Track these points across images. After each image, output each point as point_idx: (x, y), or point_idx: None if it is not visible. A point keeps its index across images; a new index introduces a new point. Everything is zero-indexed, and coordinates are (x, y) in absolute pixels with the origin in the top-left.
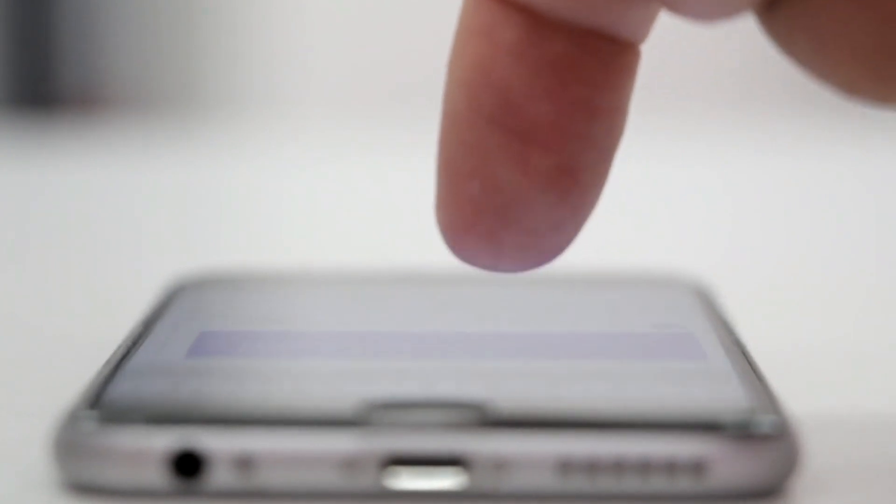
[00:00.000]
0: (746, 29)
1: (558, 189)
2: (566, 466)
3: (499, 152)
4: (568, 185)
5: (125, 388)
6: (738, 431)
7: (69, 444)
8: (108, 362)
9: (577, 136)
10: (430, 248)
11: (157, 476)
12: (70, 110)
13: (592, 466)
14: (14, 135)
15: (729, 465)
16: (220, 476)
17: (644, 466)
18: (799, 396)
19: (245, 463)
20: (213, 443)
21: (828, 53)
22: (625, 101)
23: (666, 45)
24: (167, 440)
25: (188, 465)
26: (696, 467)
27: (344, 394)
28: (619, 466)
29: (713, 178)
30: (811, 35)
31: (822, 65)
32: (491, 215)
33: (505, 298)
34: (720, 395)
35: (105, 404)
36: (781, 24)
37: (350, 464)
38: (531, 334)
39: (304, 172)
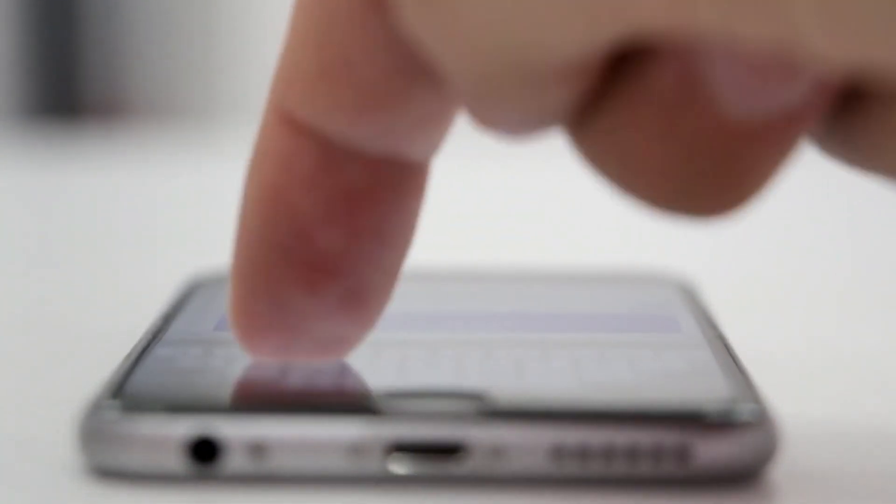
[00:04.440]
0: None
1: (345, 311)
2: (559, 453)
3: (288, 276)
4: (354, 307)
5: (145, 379)
6: (720, 419)
7: (93, 432)
8: (129, 354)
9: (366, 261)
10: (430, 247)
11: (175, 461)
12: (93, 118)
13: (584, 453)
14: (40, 141)
15: (711, 451)
16: (234, 461)
17: (632, 452)
18: (778, 388)
19: (258, 449)
20: (228, 430)
21: (634, 173)
22: (413, 223)
23: None
24: (185, 428)
25: (205, 451)
26: (681, 453)
27: (350, 384)
28: (608, 452)
29: None
30: (618, 157)
31: (628, 184)
32: (279, 330)
33: (502, 295)
34: (703, 385)
35: (127, 394)
36: (589, 143)
37: (356, 450)
38: (527, 328)
39: None
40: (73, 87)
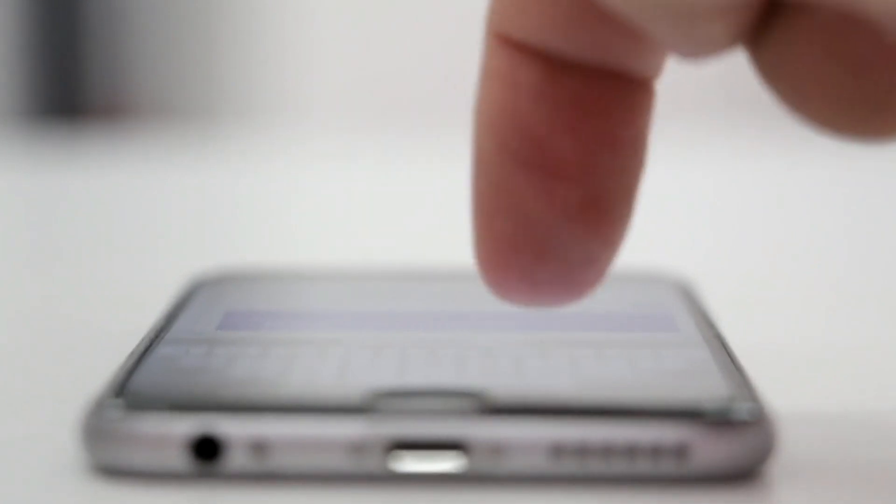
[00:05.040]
0: None
1: (587, 222)
2: (559, 451)
3: (527, 189)
4: (595, 218)
5: (148, 378)
6: (718, 418)
7: (96, 430)
8: (132, 354)
9: (601, 168)
10: (431, 246)
11: (178, 459)
12: (96, 119)
13: (583, 451)
14: (43, 143)
15: (709, 449)
16: (236, 459)
17: (631, 451)
18: (775, 386)
19: (260, 447)
20: (230, 428)
21: (805, 95)
22: (644, 135)
23: None
24: (187, 426)
25: (207, 449)
26: (679, 451)
27: (351, 383)
28: (607, 451)
29: (695, 180)
30: (791, 77)
31: (800, 104)
32: (525, 251)
33: None
34: (701, 383)
35: (130, 393)
36: (765, 63)
37: (357, 448)
38: (526, 327)
39: (315, 177)
40: (76, 89)
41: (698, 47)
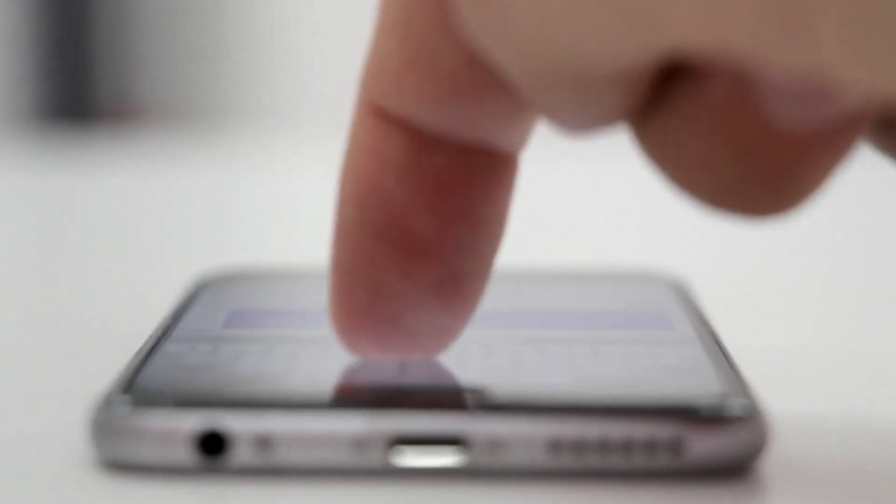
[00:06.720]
0: None
1: (441, 297)
2: (556, 446)
3: (384, 263)
4: (450, 293)
5: (155, 375)
6: (712, 414)
7: (105, 426)
8: (139, 351)
9: (458, 247)
10: None
11: (184, 454)
12: (104, 122)
13: (580, 446)
14: (52, 145)
15: (704, 444)
16: (241, 454)
17: (627, 446)
18: (768, 383)
19: (264, 442)
20: (235, 424)
21: (691, 174)
22: (503, 212)
23: None
24: (193, 422)
25: (213, 444)
26: (674, 447)
27: (354, 380)
28: (604, 446)
29: None
30: (674, 155)
31: (685, 183)
32: (377, 320)
33: (500, 293)
34: (696, 380)
35: (137, 389)
36: (648, 140)
37: (360, 443)
38: (525, 325)
39: (319, 178)
40: (84, 92)
41: (586, 120)
